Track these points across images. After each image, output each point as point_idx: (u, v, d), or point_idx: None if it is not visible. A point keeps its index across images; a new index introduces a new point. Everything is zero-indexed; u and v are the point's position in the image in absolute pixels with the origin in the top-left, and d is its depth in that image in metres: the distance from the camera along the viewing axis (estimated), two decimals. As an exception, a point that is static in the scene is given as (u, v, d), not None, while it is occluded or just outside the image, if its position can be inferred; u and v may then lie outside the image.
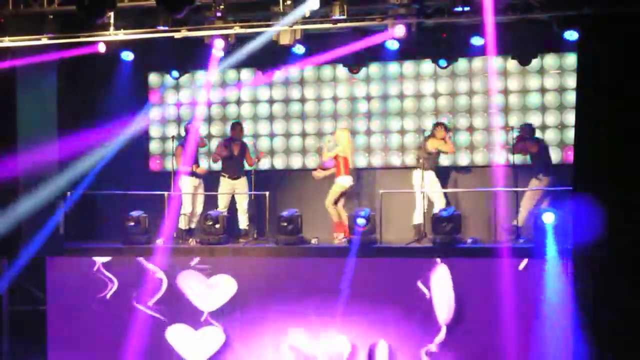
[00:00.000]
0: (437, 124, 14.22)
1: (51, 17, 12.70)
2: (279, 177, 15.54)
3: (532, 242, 12.92)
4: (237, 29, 12.71)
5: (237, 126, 14.85)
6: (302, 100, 15.63)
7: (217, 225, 13.93)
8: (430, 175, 14.02)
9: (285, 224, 13.61)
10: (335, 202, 14.15)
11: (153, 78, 16.00)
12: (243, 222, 14.67)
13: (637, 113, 11.00)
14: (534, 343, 12.20)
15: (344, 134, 14.40)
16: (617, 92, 11.19)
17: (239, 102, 15.82)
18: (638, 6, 10.78)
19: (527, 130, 13.95)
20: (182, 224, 14.52)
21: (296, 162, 15.68)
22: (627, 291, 10.87)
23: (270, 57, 14.09)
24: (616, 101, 11.19)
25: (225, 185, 14.60)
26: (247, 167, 14.83)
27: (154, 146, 16.14)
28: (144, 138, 15.91)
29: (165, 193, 14.66)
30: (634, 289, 10.86)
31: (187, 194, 14.56)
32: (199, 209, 14.66)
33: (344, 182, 14.12)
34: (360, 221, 13.09)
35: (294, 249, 13.60)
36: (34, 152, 13.71)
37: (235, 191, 14.64)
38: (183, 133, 14.99)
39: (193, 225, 14.59)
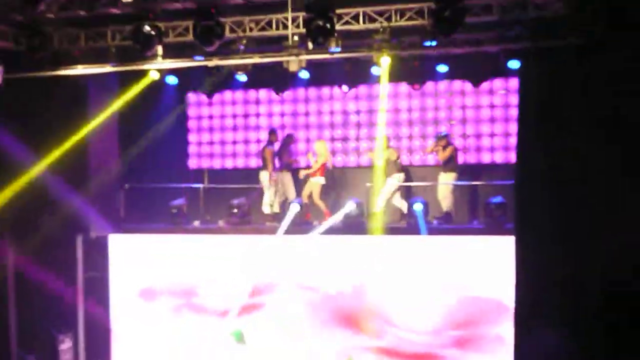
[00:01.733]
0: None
1: (113, 50, 12.65)
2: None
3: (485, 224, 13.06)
4: (255, 59, 12.61)
5: (274, 133, 14.87)
6: (306, 113, 15.59)
7: (239, 210, 14.02)
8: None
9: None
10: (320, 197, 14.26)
11: (191, 97, 15.98)
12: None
13: (566, 123, 11.03)
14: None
15: (324, 145, 14.43)
16: (550, 108, 11.26)
17: (257, 115, 15.79)
18: (567, 41, 10.82)
19: (444, 139, 13.89)
20: (267, 210, 14.49)
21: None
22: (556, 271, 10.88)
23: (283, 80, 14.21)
24: (550, 115, 11.27)
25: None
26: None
27: (191, 149, 16.11)
28: (184, 142, 15.96)
29: (201, 186, 14.78)
30: (565, 268, 10.84)
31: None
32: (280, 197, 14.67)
33: (322, 180, 14.21)
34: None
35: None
36: (101, 155, 13.91)
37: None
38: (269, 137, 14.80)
39: (276, 210, 14.57)
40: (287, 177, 14.61)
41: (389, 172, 13.92)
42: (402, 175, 14.10)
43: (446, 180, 13.77)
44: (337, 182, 15.14)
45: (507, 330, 11.94)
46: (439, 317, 12.52)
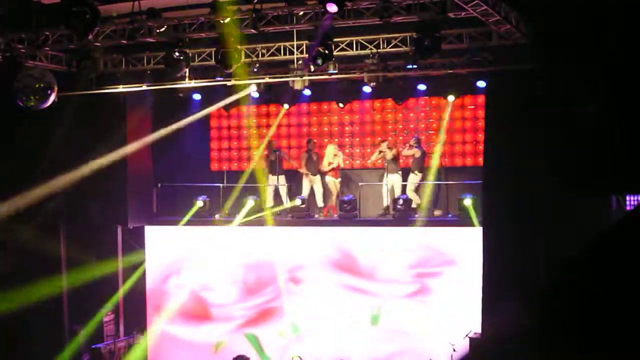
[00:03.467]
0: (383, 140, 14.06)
1: (149, 72, 12.81)
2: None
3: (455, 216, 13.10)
4: (267, 79, 12.76)
5: (311, 141, 14.54)
6: (309, 124, 15.47)
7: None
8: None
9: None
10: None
11: (213, 111, 15.75)
12: (319, 202, 14.34)
13: (524, 133, 11.07)
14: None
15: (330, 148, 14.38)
16: (511, 120, 11.36)
17: (268, 126, 15.55)
18: (524, 65, 10.94)
19: (415, 142, 13.75)
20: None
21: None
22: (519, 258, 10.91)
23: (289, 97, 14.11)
24: (511, 126, 11.37)
25: (307, 180, 14.35)
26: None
27: (213, 154, 15.96)
28: (207, 148, 15.90)
29: (221, 185, 14.71)
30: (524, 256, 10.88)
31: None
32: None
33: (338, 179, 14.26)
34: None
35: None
36: (137, 155, 13.98)
37: (313, 184, 14.29)
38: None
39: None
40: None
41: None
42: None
43: (414, 180, 13.66)
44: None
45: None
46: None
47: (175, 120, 14.17)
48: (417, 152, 13.75)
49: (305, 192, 14.31)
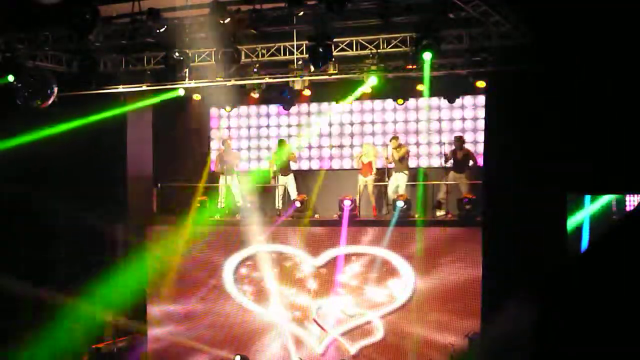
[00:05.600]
0: (393, 138, 14.10)
1: (149, 72, 12.79)
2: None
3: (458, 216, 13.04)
4: (267, 79, 12.77)
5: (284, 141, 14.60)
6: (309, 124, 15.48)
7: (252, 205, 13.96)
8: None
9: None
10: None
11: (213, 111, 15.97)
12: (278, 203, 14.27)
13: (524, 133, 11.07)
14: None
15: (368, 147, 14.23)
16: (511, 120, 11.33)
17: (268, 127, 15.77)
18: (522, 66, 10.92)
19: (461, 142, 13.68)
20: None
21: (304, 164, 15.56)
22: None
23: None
24: (511, 126, 11.33)
25: (280, 180, 14.31)
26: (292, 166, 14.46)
27: (213, 155, 15.73)
28: (207, 149, 15.87)
29: (220, 184, 14.72)
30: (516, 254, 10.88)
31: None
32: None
33: (371, 178, 14.10)
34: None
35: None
36: (137, 158, 13.99)
37: (286, 184, 14.28)
38: (222, 146, 14.91)
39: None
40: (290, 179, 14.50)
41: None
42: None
43: (403, 178, 13.64)
44: (334, 182, 15.11)
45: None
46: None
47: (176, 120, 14.11)
48: (460, 153, 13.61)
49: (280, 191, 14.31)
